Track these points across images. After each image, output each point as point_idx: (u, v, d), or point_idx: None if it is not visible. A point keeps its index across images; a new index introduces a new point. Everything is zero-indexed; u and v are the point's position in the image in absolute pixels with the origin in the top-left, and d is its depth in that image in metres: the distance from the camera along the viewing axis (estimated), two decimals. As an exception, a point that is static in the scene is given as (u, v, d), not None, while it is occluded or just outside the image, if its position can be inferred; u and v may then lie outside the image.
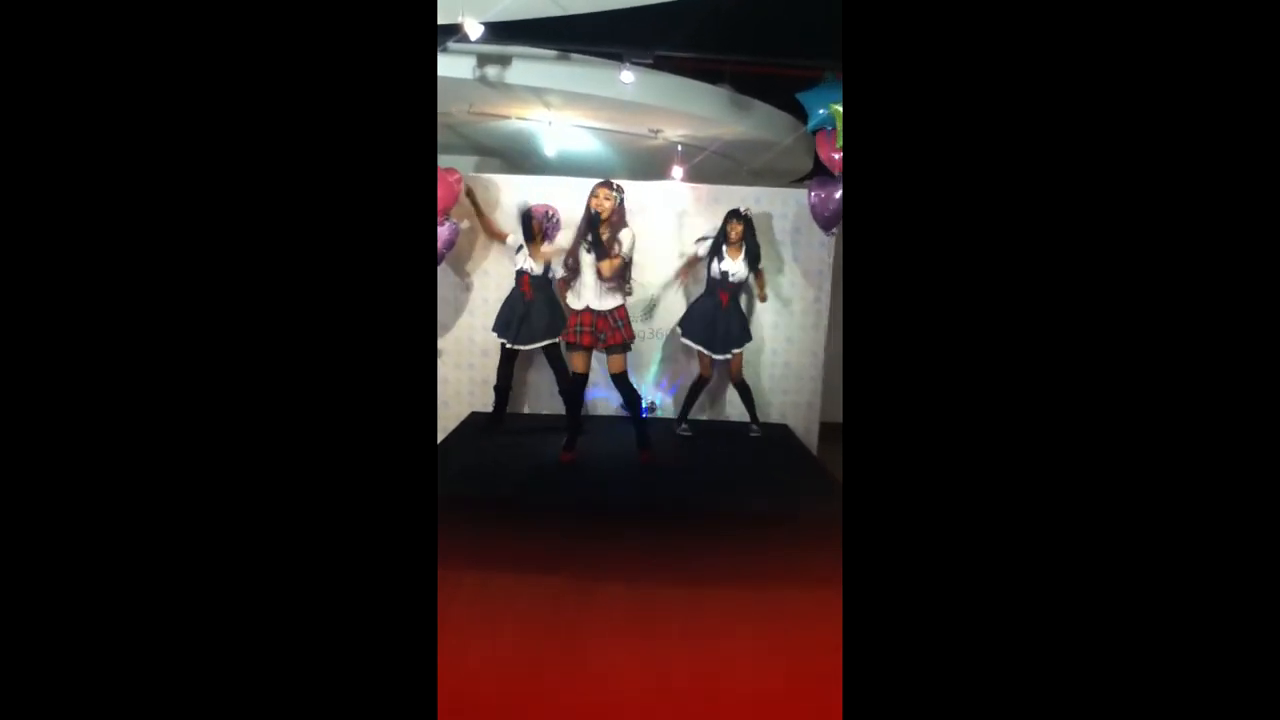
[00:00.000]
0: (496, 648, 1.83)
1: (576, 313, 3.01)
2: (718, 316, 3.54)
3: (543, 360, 3.74)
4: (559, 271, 3.43)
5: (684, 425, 3.69)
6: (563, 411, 3.54)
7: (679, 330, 3.68)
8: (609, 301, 2.98)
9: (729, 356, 3.58)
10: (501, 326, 3.58)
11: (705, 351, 3.57)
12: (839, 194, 3.49)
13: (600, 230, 2.86)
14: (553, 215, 3.62)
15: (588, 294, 2.97)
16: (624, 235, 2.91)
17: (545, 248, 3.58)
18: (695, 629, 1.97)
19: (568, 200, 3.81)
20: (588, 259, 2.93)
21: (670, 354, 3.97)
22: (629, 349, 3.07)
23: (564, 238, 3.52)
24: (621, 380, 3.09)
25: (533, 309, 3.52)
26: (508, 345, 3.57)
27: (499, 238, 3.73)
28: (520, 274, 3.54)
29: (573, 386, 3.11)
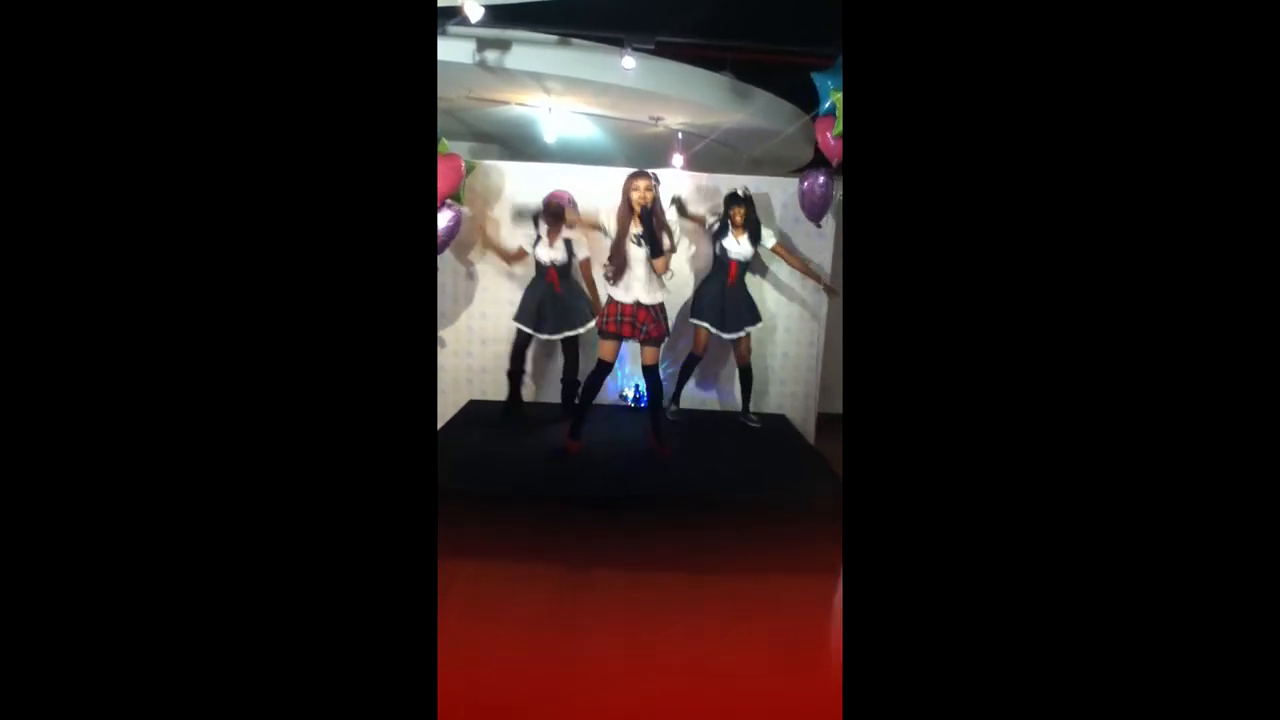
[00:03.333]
0: (496, 637, 1.83)
1: (620, 304, 2.97)
2: (725, 295, 3.50)
3: (556, 348, 3.72)
4: (580, 253, 3.46)
5: (674, 407, 3.66)
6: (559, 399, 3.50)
7: (690, 312, 3.60)
8: (658, 295, 3.00)
9: (740, 335, 3.53)
10: (526, 317, 3.50)
11: (715, 331, 3.50)
12: (824, 181, 3.51)
13: (655, 226, 2.86)
14: (572, 201, 3.54)
15: (638, 287, 2.96)
16: (673, 228, 2.94)
17: (565, 232, 3.49)
18: (694, 618, 1.97)
19: (571, 187, 3.79)
20: (638, 253, 2.92)
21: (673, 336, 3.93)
22: (663, 342, 3.09)
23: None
24: (652, 372, 3.09)
25: (560, 300, 3.50)
26: (536, 335, 3.51)
27: (517, 259, 3.65)
28: (546, 268, 3.47)
29: (596, 375, 3.06)
